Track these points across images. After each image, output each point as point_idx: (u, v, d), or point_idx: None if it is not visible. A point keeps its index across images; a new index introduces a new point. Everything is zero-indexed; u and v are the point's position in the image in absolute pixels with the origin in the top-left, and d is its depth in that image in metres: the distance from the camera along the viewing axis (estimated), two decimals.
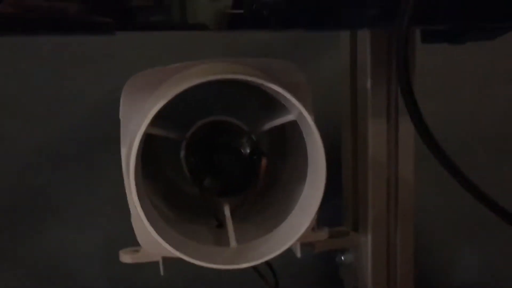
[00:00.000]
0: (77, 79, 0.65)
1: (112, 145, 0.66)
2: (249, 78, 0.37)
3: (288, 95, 0.38)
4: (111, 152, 0.66)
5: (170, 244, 0.39)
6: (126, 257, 0.49)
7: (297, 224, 0.43)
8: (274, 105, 0.49)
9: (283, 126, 0.47)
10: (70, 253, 0.68)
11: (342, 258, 0.57)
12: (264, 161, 0.44)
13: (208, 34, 0.63)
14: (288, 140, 0.51)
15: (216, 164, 0.44)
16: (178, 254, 0.39)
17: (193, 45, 0.64)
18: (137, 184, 0.38)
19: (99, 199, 0.68)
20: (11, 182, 0.66)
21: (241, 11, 0.36)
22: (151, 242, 0.43)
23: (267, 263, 0.55)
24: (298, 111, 0.42)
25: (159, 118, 0.40)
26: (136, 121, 0.42)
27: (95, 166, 0.67)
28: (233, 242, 0.44)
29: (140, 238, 0.45)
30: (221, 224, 0.49)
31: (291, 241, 0.42)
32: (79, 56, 0.65)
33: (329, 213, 0.50)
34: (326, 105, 0.54)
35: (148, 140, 0.41)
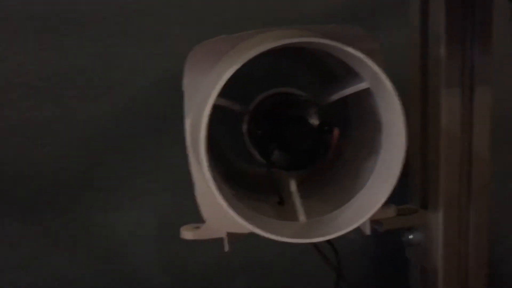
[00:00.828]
0: (130, 57, 0.64)
1: (164, 125, 0.66)
2: (327, 42, 0.35)
3: (365, 58, 0.36)
4: (164, 132, 0.66)
5: (240, 216, 0.37)
6: (187, 233, 0.48)
7: (370, 199, 0.41)
8: (334, 77, 0.47)
9: (345, 100, 0.45)
10: (123, 234, 0.68)
11: (410, 236, 0.54)
12: (336, 131, 0.42)
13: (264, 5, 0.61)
14: (350, 115, 0.49)
15: (285, 137, 0.42)
16: (249, 226, 0.37)
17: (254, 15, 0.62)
18: (207, 155, 0.36)
19: (153, 180, 0.67)
20: (66, 162, 0.66)
21: None
22: (217, 215, 0.42)
23: (329, 242, 0.54)
24: (372, 78, 0.39)
25: (222, 91, 0.39)
26: (201, 91, 0.41)
27: (149, 146, 0.66)
28: (302, 217, 0.42)
29: (205, 212, 0.44)
30: (282, 201, 0.48)
31: (365, 217, 0.40)
32: (132, 33, 0.64)
33: (395, 189, 0.47)
34: (392, 77, 0.51)
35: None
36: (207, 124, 0.36)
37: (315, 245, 0.53)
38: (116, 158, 0.66)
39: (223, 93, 0.39)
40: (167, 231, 0.68)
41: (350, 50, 0.36)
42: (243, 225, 0.38)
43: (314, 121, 0.43)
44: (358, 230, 0.48)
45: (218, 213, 0.40)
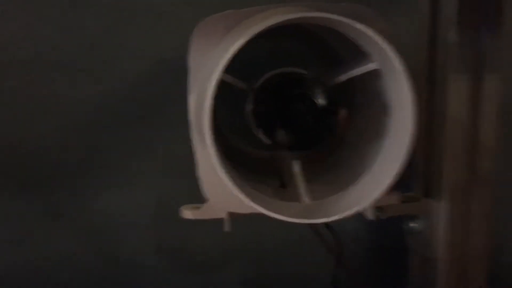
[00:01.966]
0: (132, 36, 0.63)
1: (163, 107, 0.66)
2: (337, 18, 0.34)
3: (376, 37, 0.35)
4: (163, 113, 0.65)
5: (244, 193, 0.36)
6: (188, 213, 0.47)
7: (376, 182, 0.40)
8: (339, 59, 0.46)
9: (351, 82, 0.44)
10: (119, 215, 0.68)
11: (411, 225, 0.54)
12: (343, 113, 0.41)
13: None
14: (356, 97, 0.48)
15: (289, 115, 0.41)
16: (253, 204, 0.36)
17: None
18: (212, 130, 0.36)
19: (150, 161, 0.66)
20: (66, 141, 0.65)
21: None
22: (219, 193, 0.41)
23: (329, 228, 0.53)
24: (381, 58, 0.39)
25: (227, 68, 0.38)
26: (207, 66, 0.40)
27: (148, 127, 0.66)
28: (305, 197, 0.41)
29: (207, 189, 0.43)
30: (284, 185, 0.47)
31: (369, 200, 0.39)
32: (136, 12, 0.63)
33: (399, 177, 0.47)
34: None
35: None
36: (212, 98, 0.35)
37: (316, 230, 0.53)
38: (114, 139, 0.66)
39: (228, 70, 0.38)
40: (164, 212, 0.67)
41: (361, 27, 0.35)
42: (247, 204, 0.37)
43: (321, 101, 0.43)
44: (359, 216, 0.47)
45: (221, 191, 0.39)
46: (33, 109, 0.63)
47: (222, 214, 0.45)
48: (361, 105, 0.48)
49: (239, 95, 0.47)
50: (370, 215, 0.46)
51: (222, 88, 0.41)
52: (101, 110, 0.65)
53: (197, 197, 0.46)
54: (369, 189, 0.41)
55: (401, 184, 0.54)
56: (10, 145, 0.64)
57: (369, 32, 0.35)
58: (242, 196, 0.36)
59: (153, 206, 0.68)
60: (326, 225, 0.52)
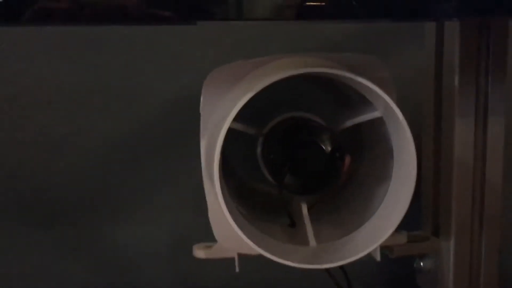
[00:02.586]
0: (150, 74, 0.66)
1: (182, 144, 0.68)
2: (339, 73, 0.36)
3: (377, 89, 0.37)
4: (182, 150, 0.67)
5: (250, 239, 0.38)
6: (200, 252, 0.49)
7: (381, 226, 0.41)
8: (349, 102, 0.48)
9: (358, 125, 0.46)
10: (138, 248, 0.69)
11: (421, 264, 0.54)
12: (348, 159, 0.42)
13: (281, 28, 0.62)
14: (364, 140, 0.49)
15: (297, 161, 0.43)
16: (258, 250, 0.38)
17: (262, 40, 0.63)
18: (221, 179, 0.37)
19: (169, 195, 0.68)
20: (83, 176, 0.67)
21: (324, 1, 0.35)
22: (229, 237, 0.43)
23: (340, 267, 0.54)
24: (384, 107, 0.40)
25: (238, 114, 0.40)
26: (217, 114, 0.42)
27: (166, 163, 0.67)
28: (312, 241, 0.42)
29: (217, 232, 0.45)
30: (293, 224, 0.48)
31: (375, 244, 0.40)
32: (152, 51, 0.65)
33: (406, 216, 0.48)
34: (406, 104, 0.51)
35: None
36: (221, 149, 0.37)
37: (326, 269, 0.53)
38: (132, 173, 0.67)
39: (238, 116, 0.40)
40: (181, 247, 0.68)
41: (363, 81, 0.36)
42: (253, 248, 0.38)
43: (327, 146, 0.44)
44: (368, 255, 0.48)
45: (230, 234, 0.40)
46: (53, 146, 0.66)
47: (233, 254, 0.47)
48: (369, 147, 0.49)
49: (250, 138, 0.48)
50: (377, 256, 0.47)
51: (234, 132, 0.43)
52: (119, 147, 0.67)
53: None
54: (376, 232, 0.42)
55: (410, 222, 0.55)
56: (29, 181, 0.66)
57: (370, 84, 0.36)
58: (247, 240, 0.37)
59: (171, 240, 0.69)
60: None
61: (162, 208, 0.68)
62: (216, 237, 0.46)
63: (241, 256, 0.47)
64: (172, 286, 0.70)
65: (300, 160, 0.43)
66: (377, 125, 0.44)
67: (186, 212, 0.68)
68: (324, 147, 0.43)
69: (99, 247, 0.69)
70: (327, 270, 0.53)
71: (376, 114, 0.41)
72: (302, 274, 0.69)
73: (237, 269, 0.46)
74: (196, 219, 0.63)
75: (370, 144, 0.49)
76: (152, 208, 0.68)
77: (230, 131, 0.41)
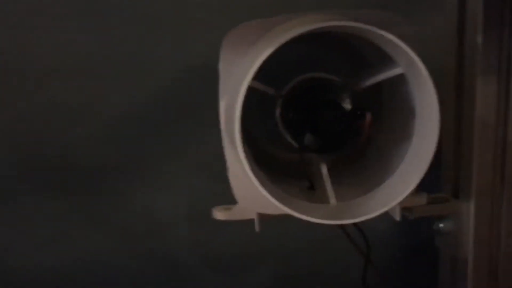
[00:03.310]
0: (166, 42, 0.65)
1: (198, 112, 0.68)
2: (363, 26, 0.35)
3: (401, 43, 0.36)
4: (198, 118, 0.67)
5: (272, 196, 0.38)
6: (219, 214, 0.49)
7: (401, 184, 0.41)
8: (367, 62, 0.47)
9: (378, 85, 0.45)
10: (156, 215, 0.70)
11: (440, 225, 0.54)
12: (369, 116, 0.42)
13: None
14: (383, 101, 0.49)
15: (317, 120, 0.43)
16: (279, 205, 0.38)
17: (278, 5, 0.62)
18: (241, 136, 0.37)
19: (185, 162, 0.68)
20: (99, 144, 0.67)
21: None
22: (249, 196, 0.43)
23: (359, 228, 0.54)
24: (407, 64, 0.39)
25: (257, 75, 0.39)
26: (237, 73, 0.42)
27: (184, 129, 0.68)
28: (333, 199, 0.42)
29: (237, 192, 0.45)
30: (312, 186, 0.48)
31: (395, 201, 0.40)
32: (167, 19, 0.65)
33: (426, 178, 0.47)
34: (427, 64, 0.51)
35: None
36: (241, 106, 0.37)
37: (345, 230, 0.54)
38: (150, 141, 0.68)
39: (257, 76, 0.39)
40: (200, 213, 0.69)
41: (384, 33, 0.36)
42: (275, 206, 0.39)
43: (347, 105, 0.44)
44: (388, 216, 0.48)
45: (250, 194, 0.41)
46: (71, 116, 0.66)
47: (252, 215, 0.47)
48: (389, 108, 0.48)
49: (269, 99, 0.48)
50: (397, 216, 0.47)
51: (252, 93, 0.43)
52: (135, 115, 0.67)
53: (230, 197, 0.47)
54: (396, 190, 0.41)
55: (430, 185, 0.55)
56: (49, 150, 0.66)
57: (393, 38, 0.36)
58: (270, 198, 0.38)
59: (188, 206, 0.70)
60: (355, 225, 0.53)
61: (179, 175, 0.69)
62: (236, 197, 0.46)
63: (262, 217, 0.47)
64: (190, 252, 0.71)
65: (320, 120, 0.43)
66: (398, 84, 0.43)
67: (205, 178, 0.68)
68: (344, 106, 0.43)
69: (120, 215, 0.70)
70: (345, 232, 0.53)
71: (397, 71, 0.40)
72: (320, 241, 0.70)
73: (257, 229, 0.46)
74: (214, 185, 0.63)
75: (390, 105, 0.48)
76: (170, 175, 0.69)
77: (249, 91, 0.41)
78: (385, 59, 0.42)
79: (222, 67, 0.43)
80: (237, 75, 0.41)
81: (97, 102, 0.66)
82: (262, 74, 0.40)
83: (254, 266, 0.72)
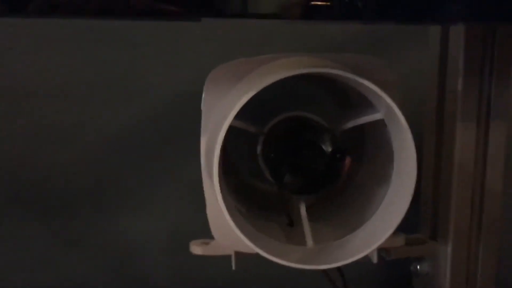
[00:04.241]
0: (154, 68, 0.66)
1: (184, 139, 0.67)
2: (341, 73, 0.36)
3: (380, 92, 0.37)
4: (184, 145, 0.67)
5: (248, 238, 0.38)
6: (197, 248, 0.49)
7: (379, 228, 0.41)
8: (352, 104, 0.48)
9: (361, 126, 0.46)
10: (138, 241, 0.69)
11: (418, 267, 0.54)
12: (348, 160, 0.42)
13: (285, 27, 0.62)
14: (366, 141, 0.49)
15: (298, 160, 0.43)
16: (255, 248, 0.38)
17: (265, 38, 0.63)
18: (220, 177, 0.37)
19: (169, 190, 0.68)
20: (84, 169, 0.67)
21: (329, 2, 0.35)
22: (226, 234, 0.43)
23: (337, 268, 0.54)
24: (386, 109, 0.40)
25: (239, 112, 0.39)
26: (218, 112, 0.42)
27: (168, 157, 0.67)
28: (310, 242, 0.42)
29: (214, 230, 0.45)
30: (292, 223, 0.48)
31: (373, 246, 0.40)
32: (158, 45, 0.65)
33: (405, 219, 0.48)
34: (408, 106, 0.51)
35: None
36: (221, 146, 0.37)
37: (324, 269, 0.53)
38: (134, 166, 0.68)
39: (239, 114, 0.39)
40: (179, 241, 0.68)
41: (365, 82, 0.36)
42: (250, 247, 0.38)
43: (328, 147, 0.44)
44: (366, 257, 0.48)
45: (227, 232, 0.40)
46: (53, 139, 0.66)
47: (229, 252, 0.47)
48: (371, 149, 0.49)
49: (251, 135, 0.48)
50: (374, 259, 0.47)
51: (235, 130, 0.43)
52: (120, 141, 0.67)
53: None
54: (374, 234, 0.41)
55: (409, 225, 0.55)
56: (31, 173, 0.66)
57: (371, 86, 0.36)
58: (245, 240, 0.37)
59: (170, 235, 0.69)
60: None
61: (162, 203, 0.68)
62: (214, 234, 0.45)
63: (239, 255, 0.47)
64: (170, 280, 0.71)
65: (300, 160, 0.43)
66: (379, 127, 0.44)
67: (185, 208, 0.68)
68: (324, 148, 0.43)
69: (99, 240, 0.69)
70: (323, 270, 0.53)
71: (377, 116, 0.41)
72: (299, 273, 0.69)
73: (233, 267, 0.46)
74: (195, 215, 0.63)
75: (372, 146, 0.49)
76: (152, 203, 0.68)
77: (231, 128, 0.41)
78: (367, 101, 0.43)
79: (205, 103, 0.43)
80: (218, 114, 0.41)
81: (80, 125, 0.66)
82: (245, 110, 0.40)
83: None
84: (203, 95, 0.43)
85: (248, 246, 0.38)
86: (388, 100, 0.36)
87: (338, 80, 0.43)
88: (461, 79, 0.48)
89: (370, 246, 0.40)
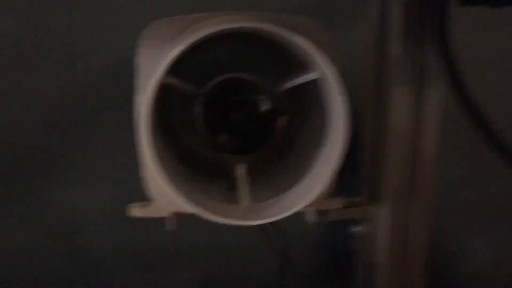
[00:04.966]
0: (94, 33, 0.64)
1: (124, 104, 0.66)
2: (276, 29, 0.36)
3: (311, 50, 0.37)
4: (124, 111, 0.66)
5: (182, 197, 0.37)
6: (135, 210, 0.48)
7: (311, 186, 0.42)
8: (293, 64, 0.48)
9: (303, 88, 0.46)
10: (78, 210, 0.68)
11: (356, 229, 0.56)
12: (283, 119, 0.42)
13: None
14: (307, 102, 0.50)
15: (231, 120, 0.43)
16: (190, 207, 0.38)
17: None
18: (149, 133, 0.37)
19: (110, 158, 0.67)
20: (23, 135, 0.65)
21: None
22: (163, 195, 0.42)
23: (277, 230, 0.54)
24: (322, 69, 0.40)
25: (176, 71, 0.39)
26: (152, 69, 0.41)
27: (108, 124, 0.66)
28: (245, 200, 0.42)
29: (152, 191, 0.44)
30: (233, 186, 0.48)
31: (304, 202, 0.41)
32: (97, 8, 0.63)
33: (345, 184, 0.49)
34: (350, 72, 0.52)
35: (162, 97, 0.40)
36: (150, 102, 0.36)
37: (264, 231, 0.54)
38: (74, 134, 0.66)
39: (177, 74, 0.39)
40: (122, 209, 0.68)
41: (298, 39, 0.36)
42: (183, 205, 0.38)
43: (265, 107, 0.44)
44: (307, 221, 0.49)
45: (164, 192, 0.40)
46: None
47: (167, 213, 0.47)
48: (310, 111, 0.49)
49: (190, 97, 0.48)
50: (310, 219, 0.47)
51: (174, 90, 0.42)
52: (58, 107, 0.65)
53: None
54: (305, 192, 0.42)
55: (351, 190, 0.56)
56: None
57: (303, 43, 0.36)
58: (176, 196, 0.37)
59: (109, 201, 0.68)
60: (274, 227, 0.53)
61: (104, 170, 0.67)
62: (151, 195, 0.45)
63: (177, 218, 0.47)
64: (113, 250, 0.70)
65: (233, 120, 0.43)
66: (318, 88, 0.44)
67: (127, 174, 0.67)
68: (260, 107, 0.43)
69: (39, 208, 0.68)
70: (266, 234, 0.54)
71: (312, 76, 0.41)
72: (242, 242, 0.70)
73: (168, 228, 0.46)
74: (135, 180, 0.63)
75: (311, 108, 0.49)
76: (94, 170, 0.67)
77: (167, 88, 0.41)
78: (308, 64, 0.43)
79: (139, 61, 0.42)
80: (152, 71, 0.40)
81: (21, 90, 0.64)
82: (183, 70, 0.39)
83: (178, 267, 0.71)
84: (137, 52, 0.42)
85: (183, 205, 0.38)
86: (318, 57, 0.37)
87: (280, 42, 0.43)
88: (398, 45, 0.49)
89: (302, 202, 0.40)
